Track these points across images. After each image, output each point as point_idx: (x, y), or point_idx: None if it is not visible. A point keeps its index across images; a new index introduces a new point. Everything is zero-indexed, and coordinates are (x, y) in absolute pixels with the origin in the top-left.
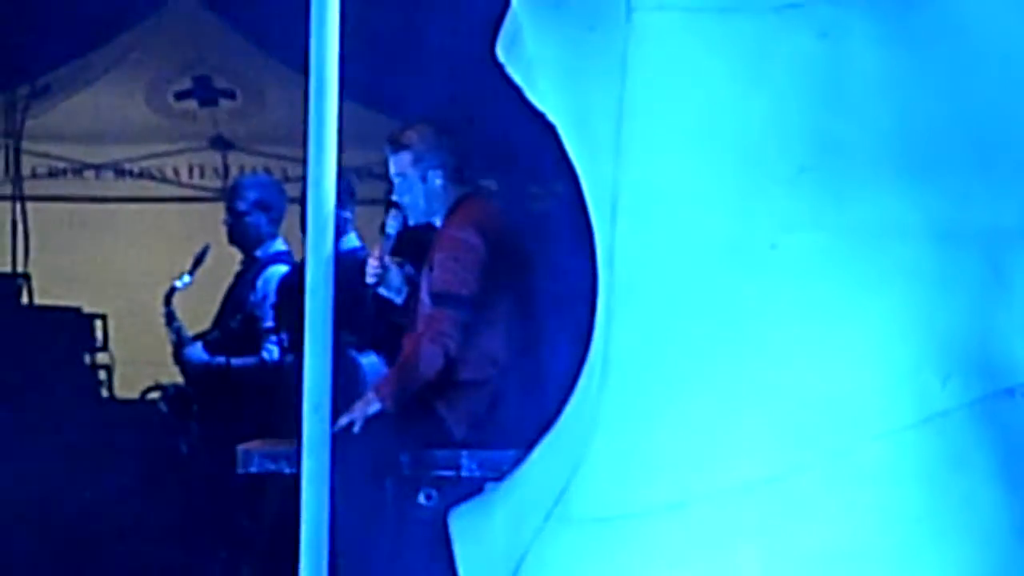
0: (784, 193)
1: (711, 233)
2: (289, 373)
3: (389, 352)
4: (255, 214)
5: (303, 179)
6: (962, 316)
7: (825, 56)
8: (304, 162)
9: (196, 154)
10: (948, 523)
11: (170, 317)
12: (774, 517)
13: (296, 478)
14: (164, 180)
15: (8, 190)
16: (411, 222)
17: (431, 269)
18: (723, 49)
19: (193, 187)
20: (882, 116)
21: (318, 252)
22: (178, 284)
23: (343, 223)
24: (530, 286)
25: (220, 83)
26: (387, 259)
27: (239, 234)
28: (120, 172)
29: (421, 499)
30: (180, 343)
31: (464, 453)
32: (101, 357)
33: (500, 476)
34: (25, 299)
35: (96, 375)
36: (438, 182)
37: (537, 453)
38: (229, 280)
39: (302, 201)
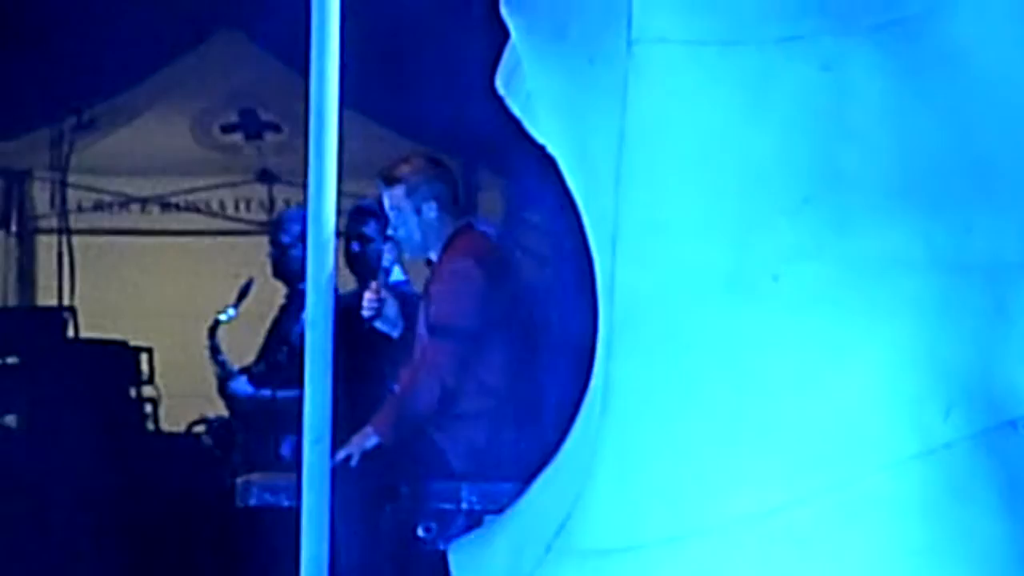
0: (786, 224)
1: (712, 264)
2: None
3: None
4: (299, 247)
5: (349, 212)
6: (965, 348)
7: (827, 88)
8: (342, 195)
9: (241, 187)
10: (950, 555)
11: (215, 350)
12: (775, 549)
13: (296, 511)
14: (210, 213)
15: (54, 223)
16: (407, 256)
17: (429, 301)
18: (725, 81)
19: (238, 220)
20: (885, 147)
21: (318, 284)
22: (223, 317)
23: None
24: (528, 317)
25: (266, 116)
26: (384, 292)
27: (284, 267)
28: (166, 205)
29: (420, 532)
30: (225, 376)
31: (464, 485)
32: (147, 390)
33: (500, 508)
34: (71, 332)
35: (142, 408)
36: (432, 214)
37: (538, 485)
38: (274, 313)
39: (346, 235)
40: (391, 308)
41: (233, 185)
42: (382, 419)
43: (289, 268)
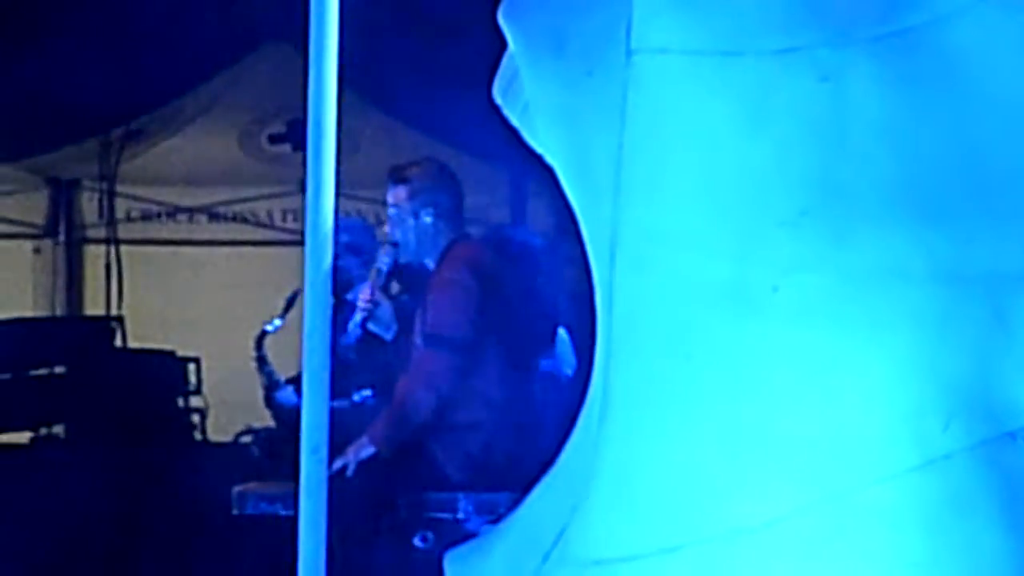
0: (785, 236)
1: (712, 275)
2: None
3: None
4: (346, 257)
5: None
6: (964, 360)
7: (826, 99)
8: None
9: (289, 198)
10: (949, 567)
11: (262, 361)
12: (774, 560)
13: (293, 520)
14: (257, 224)
15: (102, 233)
16: (401, 260)
17: (424, 311)
18: (723, 92)
19: (286, 231)
20: (884, 159)
21: (315, 293)
22: (269, 328)
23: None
24: (524, 328)
25: None
26: (378, 295)
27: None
28: (213, 216)
29: (417, 542)
30: (271, 387)
31: (460, 495)
32: (194, 400)
33: (496, 518)
34: (119, 342)
35: (189, 418)
36: (428, 220)
37: (535, 494)
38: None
39: None
40: (385, 310)
41: (280, 195)
42: (377, 429)
43: (335, 278)
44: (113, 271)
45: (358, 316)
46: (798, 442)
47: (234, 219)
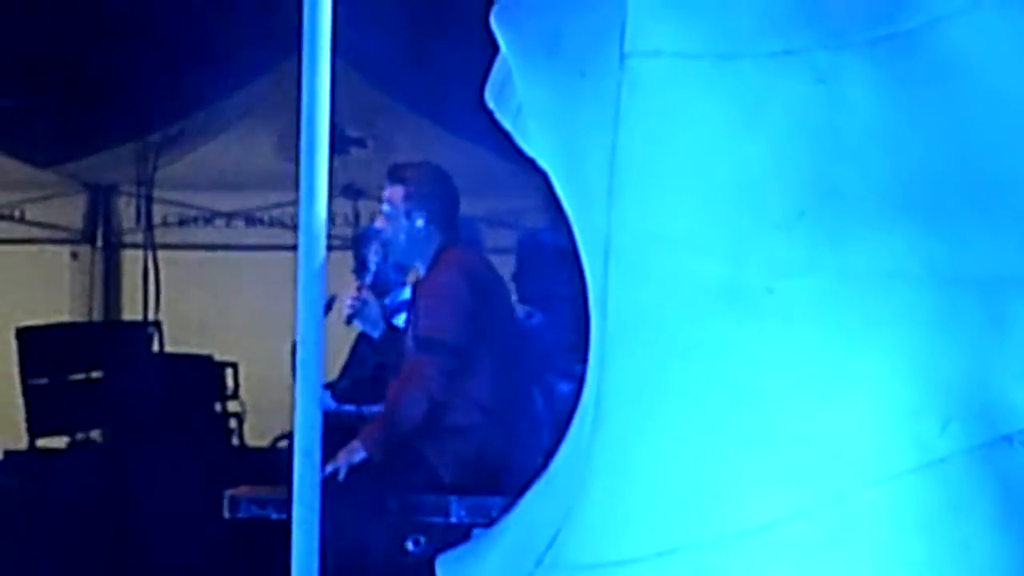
0: (781, 238)
1: (707, 278)
2: None
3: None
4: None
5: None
6: (961, 362)
7: (822, 101)
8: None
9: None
10: (946, 569)
11: None
12: (770, 563)
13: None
14: (294, 228)
15: (139, 238)
16: (391, 259)
17: (416, 315)
18: (719, 95)
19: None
20: (880, 160)
21: (308, 299)
22: None
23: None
24: (516, 332)
25: (351, 131)
26: (366, 293)
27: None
28: (251, 220)
29: (409, 545)
30: None
31: (453, 499)
32: (232, 405)
33: (489, 522)
34: (156, 347)
35: (227, 423)
36: (419, 222)
37: (529, 498)
38: (358, 328)
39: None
40: (372, 308)
41: None
42: (369, 434)
43: (373, 283)
44: (150, 276)
45: (345, 313)
46: (794, 444)
47: (271, 223)
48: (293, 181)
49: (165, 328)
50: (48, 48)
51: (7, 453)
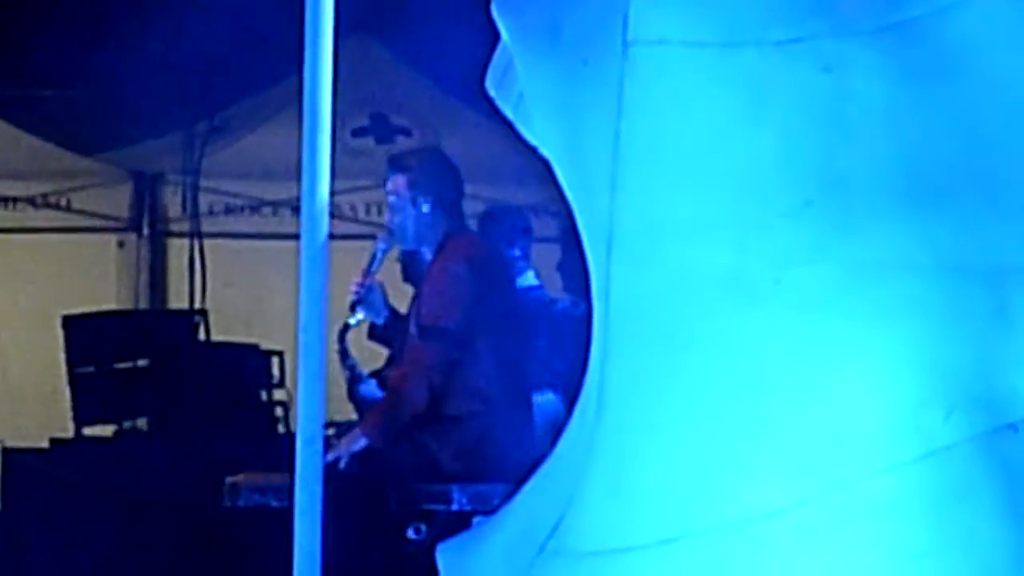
0: (787, 227)
1: (712, 267)
2: None
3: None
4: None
5: (480, 216)
6: (966, 351)
7: (828, 90)
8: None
9: (373, 191)
10: (951, 558)
11: (344, 354)
12: (773, 552)
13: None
14: (341, 217)
15: (185, 227)
16: (399, 247)
17: (419, 302)
18: (724, 83)
19: (370, 224)
20: (886, 150)
21: (311, 288)
22: (351, 321)
23: (517, 261)
24: (518, 321)
25: (397, 120)
26: (371, 280)
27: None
28: (297, 209)
29: (410, 533)
30: (354, 380)
31: (454, 487)
32: (278, 394)
33: (490, 510)
34: (202, 336)
35: (273, 412)
36: (426, 209)
37: (531, 485)
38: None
39: None
40: (376, 295)
41: (364, 189)
42: (370, 421)
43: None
44: (196, 264)
45: (349, 300)
46: (799, 433)
47: None
48: (338, 170)
49: (211, 317)
50: (95, 37)
51: (53, 442)
